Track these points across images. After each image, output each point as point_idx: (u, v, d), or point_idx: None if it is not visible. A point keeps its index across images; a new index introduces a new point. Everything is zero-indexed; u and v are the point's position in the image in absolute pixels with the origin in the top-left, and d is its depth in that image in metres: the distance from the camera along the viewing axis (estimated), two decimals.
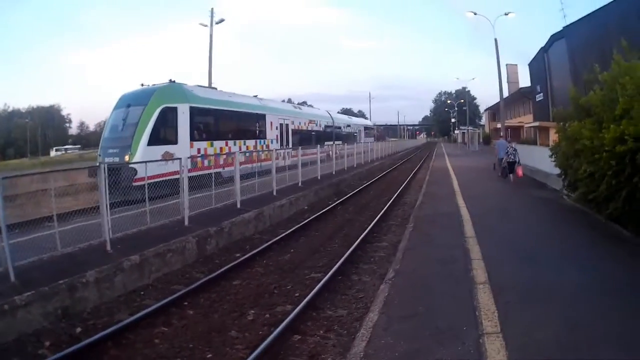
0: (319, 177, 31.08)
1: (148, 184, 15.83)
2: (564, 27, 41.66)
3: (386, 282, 10.20)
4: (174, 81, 28.28)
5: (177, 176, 17.11)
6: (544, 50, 49.54)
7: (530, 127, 58.71)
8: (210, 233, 15.51)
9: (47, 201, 13.88)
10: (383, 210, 21.35)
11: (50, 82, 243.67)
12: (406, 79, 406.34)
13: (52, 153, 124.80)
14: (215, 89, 34.22)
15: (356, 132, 67.47)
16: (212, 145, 29.15)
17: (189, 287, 11.38)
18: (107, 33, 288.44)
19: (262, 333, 8.93)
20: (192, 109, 27.36)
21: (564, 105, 19.64)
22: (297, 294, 11.17)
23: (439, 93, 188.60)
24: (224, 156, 29.09)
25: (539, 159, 28.60)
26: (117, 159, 23.18)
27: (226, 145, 30.63)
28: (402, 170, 48.92)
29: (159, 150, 24.17)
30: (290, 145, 39.10)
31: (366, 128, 76.96)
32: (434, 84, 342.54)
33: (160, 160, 21.71)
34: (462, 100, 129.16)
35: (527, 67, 58.89)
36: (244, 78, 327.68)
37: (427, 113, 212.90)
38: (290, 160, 31.55)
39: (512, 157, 27.59)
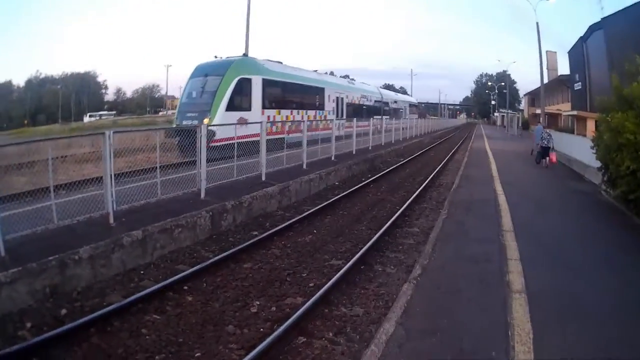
0: (358, 151, 31.32)
1: (223, 145, 18.26)
2: (602, 19, 41.54)
3: (410, 282, 9.02)
4: (247, 55, 33.19)
5: (249, 139, 19.62)
6: (582, 40, 49.46)
7: (568, 115, 57.59)
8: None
9: (66, 168, 14.08)
10: (417, 192, 20.20)
11: (86, 49, 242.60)
12: (448, 58, 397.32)
13: (86, 119, 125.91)
14: (281, 63, 36.11)
15: (402, 108, 70.42)
16: (279, 113, 32.90)
17: (193, 268, 10.37)
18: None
19: (264, 330, 7.86)
20: (264, 81, 30.75)
21: (600, 96, 18.83)
22: (311, 284, 10.02)
23: (480, 75, 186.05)
24: (289, 123, 32.00)
25: (578, 149, 27.78)
26: (195, 122, 24.94)
27: (291, 114, 34.56)
28: (441, 150, 47.60)
29: (235, 115, 26.59)
30: (345, 117, 41.20)
31: (411, 105, 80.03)
32: (475, 65, 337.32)
33: (237, 123, 21.93)
34: (503, 83, 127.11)
35: (567, 55, 58.46)
36: (285, 49, 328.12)
37: (468, 93, 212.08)
38: (344, 131, 33.02)
39: (546, 143, 28.46)
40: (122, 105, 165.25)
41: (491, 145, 45.71)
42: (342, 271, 10.19)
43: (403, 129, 50.06)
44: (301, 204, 18.20)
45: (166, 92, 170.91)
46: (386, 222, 14.61)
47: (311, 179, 20.55)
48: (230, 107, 27.67)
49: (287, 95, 34.80)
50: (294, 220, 14.94)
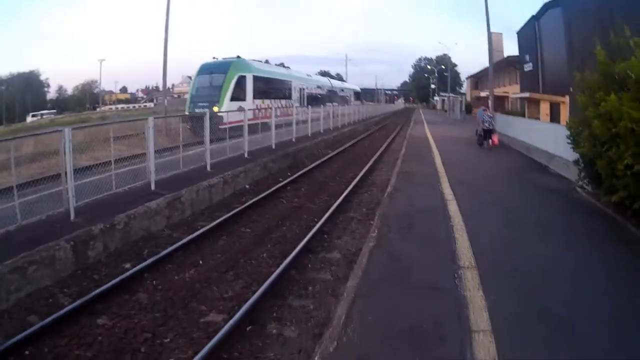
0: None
1: (229, 127, 22.85)
2: None
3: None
4: (240, 57, 41.27)
5: (243, 123, 23.44)
6: (535, 18, 46.97)
7: (517, 97, 56.15)
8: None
9: None
10: (343, 196, 16.86)
11: (27, 47, 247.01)
12: (385, 43, 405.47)
13: (29, 119, 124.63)
14: (261, 62, 48.47)
15: (348, 96, 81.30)
16: (263, 102, 40.66)
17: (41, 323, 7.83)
18: None
19: None
20: (254, 77, 40.17)
21: (554, 76, 16.51)
22: None
23: (419, 59, 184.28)
24: (268, 109, 35.53)
25: (539, 136, 24.84)
26: (207, 110, 27.94)
27: (270, 102, 41.67)
28: (377, 138, 44.79)
29: (236, 104, 34.55)
30: (306, 105, 48.81)
31: (355, 92, 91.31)
32: (415, 51, 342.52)
33: (240, 109, 28.62)
34: (443, 67, 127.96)
35: (514, 37, 58.85)
36: (219, 38, 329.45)
37: (406, 79, 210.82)
38: (303, 116, 37.74)
39: (488, 125, 29.28)
40: (63, 103, 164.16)
41: (433, 132, 42.41)
42: (217, 336, 7.16)
43: (347, 114, 56.10)
44: (209, 215, 15.31)
45: (100, 88, 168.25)
46: (297, 244, 11.42)
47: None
48: (233, 98, 36.42)
49: (268, 88, 44.09)
50: (178, 245, 11.64)
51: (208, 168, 18.76)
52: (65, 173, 11.73)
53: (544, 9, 43.74)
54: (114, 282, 9.42)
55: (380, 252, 9.74)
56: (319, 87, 62.99)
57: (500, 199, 14.85)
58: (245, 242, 12.48)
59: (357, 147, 36.94)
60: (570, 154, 15.92)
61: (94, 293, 8.90)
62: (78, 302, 8.58)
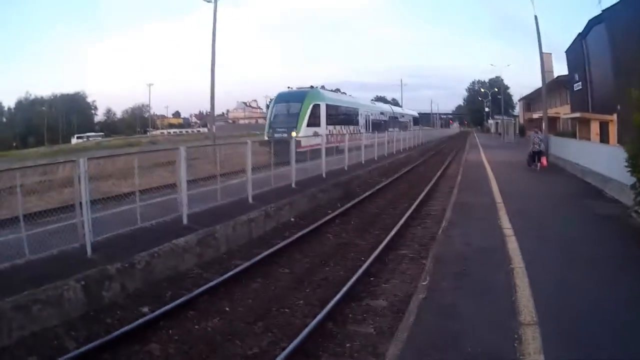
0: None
1: (305, 150, 25.66)
2: (602, 11, 38.73)
3: None
4: (313, 86, 45.31)
5: (318, 147, 26.90)
6: (581, 36, 46.62)
7: (568, 118, 54.00)
8: None
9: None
10: (394, 231, 15.19)
11: (75, 70, 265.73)
12: (438, 67, 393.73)
13: (74, 140, 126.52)
14: (332, 91, 52.49)
15: (408, 121, 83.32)
16: (335, 128, 43.66)
17: None
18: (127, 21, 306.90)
19: None
20: (327, 106, 43.30)
21: (602, 95, 15.22)
22: None
23: (472, 82, 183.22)
24: (339, 135, 40.07)
25: (592, 158, 23.33)
26: (285, 135, 33.51)
27: (341, 128, 45.50)
28: (432, 164, 43.60)
29: (312, 130, 38.42)
30: (370, 131, 51.68)
31: (413, 118, 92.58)
32: (467, 74, 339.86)
33: (315, 134, 33.96)
34: (496, 89, 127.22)
35: (562, 56, 56.16)
36: (274, 65, 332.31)
37: (460, 102, 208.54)
38: (369, 141, 39.37)
39: (538, 147, 29.50)
40: (112, 126, 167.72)
41: (488, 157, 40.56)
42: None
43: (407, 139, 58.08)
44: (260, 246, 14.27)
45: (150, 111, 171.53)
46: (339, 290, 9.94)
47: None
48: (309, 124, 39.55)
49: (338, 115, 47.34)
50: (205, 287, 10.37)
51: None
52: (81, 204, 10.67)
53: (589, 26, 43.25)
54: (125, 328, 8.40)
55: (431, 307, 8.12)
56: (382, 113, 66.04)
57: (558, 232, 13.26)
58: (281, 285, 11.15)
59: (414, 172, 35.99)
60: (626, 177, 15.07)
61: (101, 340, 7.94)
62: (83, 348, 7.71)
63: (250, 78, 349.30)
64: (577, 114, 47.38)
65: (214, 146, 23.62)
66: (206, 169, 19.89)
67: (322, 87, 51.42)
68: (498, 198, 18.51)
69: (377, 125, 58.36)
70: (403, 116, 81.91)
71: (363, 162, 33.62)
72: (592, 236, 12.80)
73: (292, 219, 17.99)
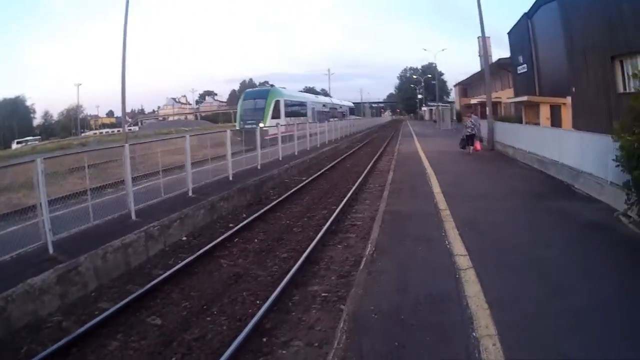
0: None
1: (269, 138, 32.12)
2: None
3: None
4: (273, 85, 61.81)
5: (279, 135, 31.70)
6: (527, 16, 45.08)
7: (512, 102, 51.49)
8: None
9: None
10: (305, 255, 11.50)
11: (15, 74, 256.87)
12: (368, 56, 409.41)
13: (14, 145, 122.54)
14: (284, 88, 59.35)
15: (345, 111, 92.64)
16: (290, 119, 49.99)
17: None
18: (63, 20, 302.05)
19: None
20: (285, 101, 52.94)
21: (553, 77, 12.96)
22: None
23: (404, 69, 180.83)
24: (292, 126, 41.70)
25: (557, 147, 19.82)
26: (254, 126, 37.29)
27: (296, 119, 51.10)
28: (360, 156, 40.16)
29: (274, 121, 44.50)
30: (316, 121, 57.74)
31: (350, 108, 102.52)
32: (399, 61, 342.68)
33: (274, 126, 36.58)
34: (430, 76, 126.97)
35: (506, 36, 53.96)
36: (202, 60, 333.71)
37: (392, 91, 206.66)
38: (313, 130, 44.45)
39: (470, 131, 30.41)
40: (50, 129, 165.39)
41: (424, 146, 37.25)
42: None
43: (343, 128, 63.60)
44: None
45: (83, 112, 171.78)
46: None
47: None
48: (273, 116, 48.29)
49: (292, 108, 56.19)
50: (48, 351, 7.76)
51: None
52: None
53: (537, 5, 41.76)
54: None
55: None
56: (324, 105, 75.82)
57: (533, 257, 9.59)
58: (145, 346, 8.12)
59: (339, 168, 31.92)
60: (603, 171, 13.97)
61: None
62: None
63: (179, 74, 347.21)
64: (524, 98, 44.58)
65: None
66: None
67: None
68: (441, 202, 14.91)
69: (321, 115, 67.34)
70: (341, 107, 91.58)
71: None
72: (580, 262, 9.23)
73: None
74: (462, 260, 9.24)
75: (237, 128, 46.06)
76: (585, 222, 11.92)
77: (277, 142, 30.96)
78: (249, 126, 41.73)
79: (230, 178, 20.96)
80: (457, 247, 10.15)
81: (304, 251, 11.88)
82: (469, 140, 30.38)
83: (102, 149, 22.48)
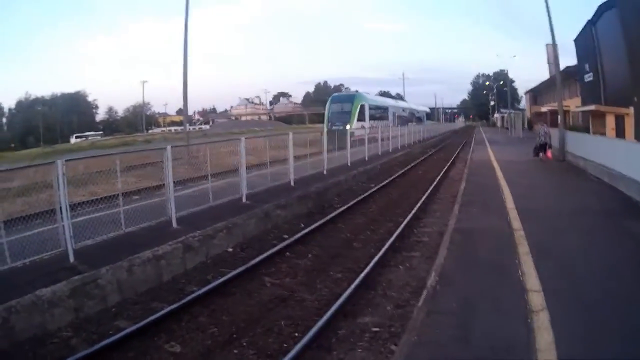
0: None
1: (356, 139, 34.31)
2: None
3: None
4: (358, 91, 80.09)
5: (366, 136, 35.57)
6: (591, 23, 43.11)
7: (579, 111, 50.04)
8: None
9: None
10: (357, 281, 10.01)
11: (77, 70, 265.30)
12: (442, 61, 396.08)
13: (72, 140, 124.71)
14: (368, 93, 69.28)
15: (422, 116, 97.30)
16: (374, 122, 55.10)
17: None
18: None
19: None
20: (369, 106, 57.92)
21: (616, 86, 11.76)
22: None
23: (477, 75, 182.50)
24: (376, 128, 45.11)
25: (626, 159, 18.12)
26: (341, 127, 43.06)
27: (378, 122, 55.72)
28: (433, 163, 38.14)
29: (360, 124, 50.93)
30: (397, 124, 60.82)
31: (427, 113, 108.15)
32: (471, 67, 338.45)
33: (362, 127, 44.64)
34: (502, 82, 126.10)
35: (572, 44, 52.11)
36: (277, 62, 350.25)
37: (465, 96, 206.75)
38: (395, 133, 47.62)
39: (543, 139, 31.27)
40: (114, 125, 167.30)
41: (496, 154, 35.48)
42: None
43: (419, 132, 65.61)
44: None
45: (150, 109, 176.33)
46: None
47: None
48: (358, 119, 53.29)
49: (376, 113, 60.52)
50: None
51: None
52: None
53: (599, 12, 40.15)
54: None
55: None
56: (403, 110, 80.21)
57: (613, 294, 8.12)
58: None
59: (411, 174, 30.61)
60: None
61: None
62: None
63: (253, 75, 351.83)
64: (591, 107, 42.92)
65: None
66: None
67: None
68: (515, 220, 13.42)
69: (401, 119, 71.03)
70: (418, 112, 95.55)
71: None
72: None
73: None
74: (536, 298, 7.78)
75: (325, 129, 45.79)
76: None
77: (363, 143, 34.24)
78: (336, 128, 44.90)
79: (325, 172, 24.22)
80: (531, 279, 8.74)
81: (361, 272, 10.62)
82: (542, 148, 31.29)
83: (140, 151, 22.02)
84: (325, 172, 23.84)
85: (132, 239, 11.58)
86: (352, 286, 9.72)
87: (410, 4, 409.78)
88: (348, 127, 43.36)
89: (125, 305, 9.69)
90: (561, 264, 9.58)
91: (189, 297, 9.62)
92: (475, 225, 13.24)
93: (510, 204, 15.82)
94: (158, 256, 10.95)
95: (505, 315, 7.36)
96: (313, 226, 15.27)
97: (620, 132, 35.98)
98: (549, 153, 30.60)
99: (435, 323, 7.27)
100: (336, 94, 71.24)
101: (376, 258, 11.49)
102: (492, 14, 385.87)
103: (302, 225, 15.88)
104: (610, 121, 39.21)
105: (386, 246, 12.51)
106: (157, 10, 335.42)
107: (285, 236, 14.47)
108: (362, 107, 55.78)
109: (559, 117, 34.20)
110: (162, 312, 8.87)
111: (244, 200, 16.55)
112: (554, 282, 8.47)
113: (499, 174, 23.71)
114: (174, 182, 13.49)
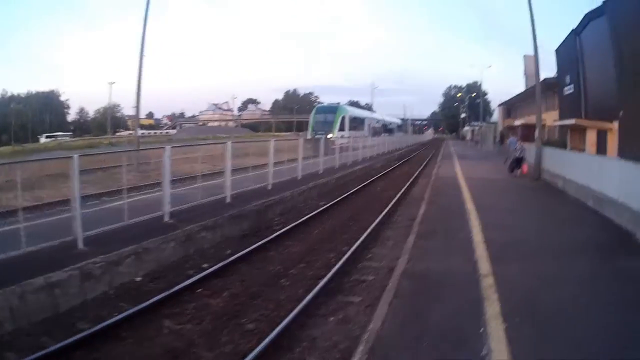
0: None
1: (335, 147, 37.29)
2: (604, 2, 33.54)
3: None
4: (340, 103, 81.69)
5: (345, 144, 41.09)
6: (575, 33, 41.25)
7: (556, 125, 49.03)
8: None
9: None
10: (271, 336, 7.82)
11: (50, 68, 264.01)
12: (414, 72, 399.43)
13: (42, 140, 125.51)
14: (349, 106, 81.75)
15: (394, 128, 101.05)
16: (352, 132, 59.71)
17: None
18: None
19: None
20: (349, 117, 62.97)
21: (599, 99, 15.68)
22: None
23: (449, 87, 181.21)
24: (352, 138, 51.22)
25: (615, 182, 16.34)
26: (323, 135, 42.60)
27: (355, 133, 60.85)
28: (395, 177, 36.66)
29: (341, 133, 55.99)
30: (370, 135, 66.49)
31: (398, 125, 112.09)
32: (444, 78, 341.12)
33: (342, 137, 49.87)
34: (474, 94, 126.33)
35: (553, 55, 50.70)
36: (249, 68, 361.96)
37: (436, 108, 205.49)
38: (368, 143, 52.52)
39: (518, 154, 31.08)
40: (85, 126, 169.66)
41: (465, 171, 33.18)
42: None
43: (389, 142, 70.29)
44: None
45: (120, 112, 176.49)
46: None
47: None
48: (339, 129, 57.94)
49: (354, 123, 64.84)
50: None
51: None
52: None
53: (586, 20, 38.15)
54: None
55: None
56: (377, 121, 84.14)
57: None
58: None
59: (369, 190, 28.32)
60: None
61: None
62: None
63: (224, 80, 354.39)
64: (571, 121, 41.28)
65: None
66: None
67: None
68: (483, 259, 10.71)
69: (374, 130, 74.92)
70: (391, 123, 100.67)
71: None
72: None
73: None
74: None
75: (308, 137, 53.78)
76: None
77: (340, 150, 37.87)
78: (319, 136, 46.41)
79: (344, 163, 33.14)
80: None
81: (279, 323, 8.31)
82: (517, 163, 31.18)
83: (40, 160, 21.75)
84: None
85: (32, 260, 9.78)
86: (263, 344, 7.56)
87: (383, 14, 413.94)
88: (330, 135, 50.73)
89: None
90: (548, 337, 6.96)
91: (72, 339, 7.96)
92: (431, 267, 10.57)
93: (478, 235, 13.17)
94: (51, 284, 9.26)
95: None
96: (241, 253, 12.95)
97: (602, 149, 34.50)
98: (525, 167, 30.80)
99: None
100: (320, 105, 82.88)
101: (304, 302, 9.34)
102: (468, 25, 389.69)
103: (229, 251, 13.47)
104: (591, 136, 37.79)
105: (319, 286, 10.28)
106: (138, 11, 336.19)
107: (205, 265, 12.22)
108: (344, 118, 61.41)
109: (536, 131, 31.91)
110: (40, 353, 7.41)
111: (165, 219, 13.97)
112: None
113: (466, 195, 21.35)
114: (106, 191, 11.82)
